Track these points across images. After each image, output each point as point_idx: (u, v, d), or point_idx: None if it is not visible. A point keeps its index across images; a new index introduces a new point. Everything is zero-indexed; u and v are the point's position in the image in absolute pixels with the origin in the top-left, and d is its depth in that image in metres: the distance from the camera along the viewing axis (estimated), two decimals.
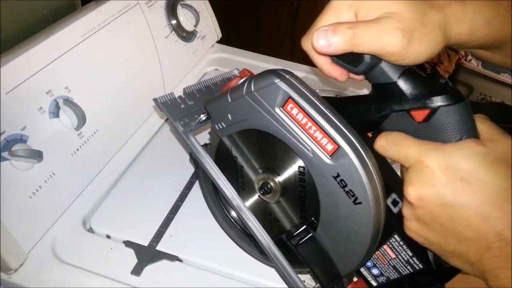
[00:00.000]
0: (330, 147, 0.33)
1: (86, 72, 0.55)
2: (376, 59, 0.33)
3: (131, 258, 0.49)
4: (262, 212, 0.43)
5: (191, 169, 0.60)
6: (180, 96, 0.45)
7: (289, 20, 1.58)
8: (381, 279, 0.41)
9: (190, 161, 0.47)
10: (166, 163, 0.61)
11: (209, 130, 0.44)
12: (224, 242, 0.51)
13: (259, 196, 0.43)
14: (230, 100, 0.38)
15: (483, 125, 0.32)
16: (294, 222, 0.41)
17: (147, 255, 0.49)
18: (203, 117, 0.43)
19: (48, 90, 0.50)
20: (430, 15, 0.32)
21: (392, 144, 0.33)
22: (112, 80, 0.59)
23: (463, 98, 0.31)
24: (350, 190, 0.34)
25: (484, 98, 1.43)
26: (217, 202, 0.47)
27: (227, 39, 0.88)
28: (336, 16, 0.35)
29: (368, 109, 0.35)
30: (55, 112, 0.50)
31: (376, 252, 0.40)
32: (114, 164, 0.60)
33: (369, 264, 0.41)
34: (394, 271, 0.40)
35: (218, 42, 0.87)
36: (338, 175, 0.34)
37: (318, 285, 0.40)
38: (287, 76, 0.35)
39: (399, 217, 0.35)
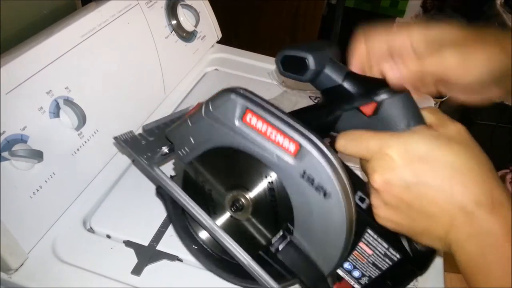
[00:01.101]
0: (292, 147, 0.35)
1: (86, 72, 0.55)
2: (320, 65, 0.36)
3: (131, 258, 0.49)
4: (237, 233, 0.42)
5: None
6: (139, 134, 0.47)
7: (289, 20, 1.58)
8: (364, 280, 0.41)
9: (157, 196, 0.47)
10: (167, 163, 0.61)
11: (173, 161, 0.45)
12: None
13: (231, 216, 0.43)
14: (190, 125, 0.39)
15: (432, 115, 0.35)
16: (270, 235, 0.41)
17: (147, 255, 0.49)
18: (165, 149, 0.44)
19: (48, 90, 0.50)
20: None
21: (352, 141, 0.35)
22: (112, 80, 0.59)
23: (403, 90, 0.35)
24: (318, 184, 0.35)
25: None
26: (190, 233, 0.47)
27: (227, 39, 0.88)
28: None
29: (320, 115, 0.37)
30: (56, 112, 0.50)
31: (353, 253, 0.40)
32: (114, 164, 0.60)
33: (349, 267, 0.41)
34: (374, 268, 0.40)
35: (218, 42, 0.87)
36: (305, 172, 0.35)
37: None
38: (241, 91, 0.37)
39: (369, 212, 0.36)
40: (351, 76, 0.36)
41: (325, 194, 0.35)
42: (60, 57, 0.52)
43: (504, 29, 0.40)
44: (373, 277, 0.41)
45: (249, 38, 1.64)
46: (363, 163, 0.35)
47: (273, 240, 0.40)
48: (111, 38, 0.60)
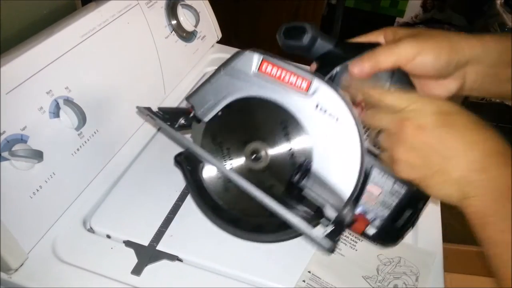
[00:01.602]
0: (304, 84, 0.41)
1: (86, 72, 0.55)
2: (316, 33, 0.43)
3: (131, 258, 0.49)
4: (257, 184, 0.44)
5: None
6: (157, 110, 0.50)
7: (289, 20, 1.58)
8: (377, 222, 0.45)
9: (175, 164, 0.50)
10: (166, 163, 0.61)
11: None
12: (224, 242, 0.51)
13: (250, 170, 0.47)
14: (210, 85, 0.44)
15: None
16: (289, 177, 0.44)
17: (147, 255, 0.49)
18: (182, 120, 0.48)
19: (48, 90, 0.50)
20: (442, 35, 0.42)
21: (389, 94, 0.39)
22: (112, 80, 0.59)
23: (377, 44, 0.42)
24: (331, 112, 0.41)
25: (484, 98, 1.43)
26: (205, 193, 0.49)
27: (227, 39, 0.88)
28: (368, 37, 0.46)
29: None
30: (56, 112, 0.50)
31: (363, 196, 0.44)
32: (114, 164, 0.60)
33: (361, 211, 0.45)
34: (383, 208, 0.45)
35: (218, 42, 0.87)
36: (317, 105, 0.41)
37: (327, 229, 0.42)
38: (254, 48, 0.43)
39: (372, 152, 0.42)
40: (340, 42, 0.44)
41: (337, 119, 0.40)
42: (60, 57, 0.52)
43: (493, 31, 0.45)
44: (385, 216, 0.45)
45: (249, 38, 1.64)
46: (385, 116, 0.39)
47: (294, 179, 0.43)
48: (111, 38, 0.60)
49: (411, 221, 0.45)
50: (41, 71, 0.49)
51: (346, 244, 0.52)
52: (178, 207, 0.55)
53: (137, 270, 0.48)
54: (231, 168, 0.47)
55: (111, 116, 0.59)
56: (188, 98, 0.46)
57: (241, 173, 0.46)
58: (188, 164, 0.49)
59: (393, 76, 0.42)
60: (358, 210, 0.45)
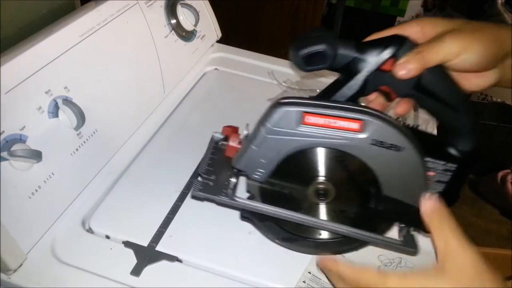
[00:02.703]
0: (356, 125, 0.39)
1: (85, 71, 0.55)
2: (334, 49, 0.40)
3: (131, 259, 0.49)
4: (328, 215, 0.47)
5: (191, 170, 0.60)
6: (202, 178, 0.47)
7: (289, 20, 1.58)
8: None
9: (243, 220, 0.50)
10: (166, 163, 0.61)
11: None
12: (224, 242, 0.51)
13: (317, 204, 0.46)
14: (256, 148, 0.42)
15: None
16: (358, 202, 0.46)
17: (146, 255, 0.49)
18: (233, 180, 0.46)
19: (47, 89, 0.50)
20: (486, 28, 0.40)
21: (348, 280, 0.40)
22: (111, 79, 0.59)
23: (404, 38, 0.40)
24: (389, 144, 0.40)
25: (485, 98, 1.43)
26: (286, 233, 0.50)
27: (227, 39, 0.87)
28: (404, 29, 0.43)
29: (349, 87, 0.42)
30: (54, 112, 0.50)
31: None
32: (114, 164, 0.60)
33: None
34: (439, 184, 0.46)
35: (218, 41, 0.87)
36: (375, 140, 0.40)
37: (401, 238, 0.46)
38: (288, 100, 0.40)
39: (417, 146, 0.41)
40: (361, 46, 0.41)
41: (397, 149, 0.40)
42: (59, 56, 0.51)
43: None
44: (441, 191, 0.46)
45: (249, 38, 1.64)
46: None
47: (371, 206, 0.45)
48: (110, 38, 0.59)
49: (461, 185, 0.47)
50: (40, 70, 0.49)
51: None
52: (177, 207, 0.55)
53: (136, 271, 0.48)
54: (300, 209, 0.46)
55: (110, 116, 0.59)
56: (235, 165, 0.44)
57: (311, 210, 0.46)
58: (254, 215, 0.48)
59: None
60: None
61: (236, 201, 0.45)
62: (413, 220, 0.43)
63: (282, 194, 0.46)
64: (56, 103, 0.50)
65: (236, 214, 0.51)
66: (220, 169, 0.47)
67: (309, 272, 0.49)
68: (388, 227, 0.47)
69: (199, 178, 0.46)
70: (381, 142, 0.40)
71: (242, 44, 0.87)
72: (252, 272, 0.49)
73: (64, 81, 0.52)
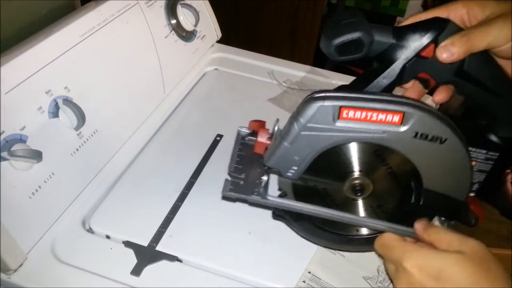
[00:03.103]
0: (396, 118, 0.37)
1: (85, 71, 0.55)
2: (370, 36, 0.38)
3: (131, 259, 0.49)
4: (365, 210, 0.46)
5: (190, 170, 0.60)
6: (232, 177, 0.45)
7: (289, 20, 1.58)
8: (475, 187, 0.46)
9: (275, 218, 0.48)
10: (166, 163, 0.61)
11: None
12: (224, 242, 0.51)
13: (354, 200, 0.45)
14: (289, 146, 0.39)
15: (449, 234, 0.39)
16: (396, 196, 0.44)
17: (146, 255, 0.49)
18: (264, 178, 0.44)
19: (47, 90, 0.50)
20: None
21: (383, 246, 0.41)
22: (111, 80, 0.59)
23: (445, 21, 0.38)
24: (433, 136, 0.38)
25: None
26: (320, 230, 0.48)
27: (227, 39, 0.87)
28: (448, 10, 0.41)
29: (386, 76, 0.39)
30: (55, 112, 0.50)
31: None
32: (114, 164, 0.60)
33: None
34: (480, 173, 0.45)
35: (218, 41, 0.87)
36: (417, 133, 0.37)
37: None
38: (323, 94, 0.37)
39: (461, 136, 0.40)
40: (398, 31, 0.38)
41: (441, 141, 0.38)
42: (59, 56, 0.51)
43: None
44: (482, 180, 0.46)
45: (249, 38, 1.64)
46: (390, 272, 0.40)
47: (412, 201, 0.43)
48: (111, 38, 0.59)
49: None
50: (40, 70, 0.49)
51: None
52: (177, 207, 0.55)
53: (136, 271, 0.48)
54: (335, 206, 0.45)
55: (110, 116, 0.59)
56: (267, 163, 0.42)
57: (346, 206, 0.45)
58: (287, 213, 0.46)
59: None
60: None
61: (269, 200, 0.43)
62: (454, 213, 0.43)
63: (316, 190, 0.44)
64: (57, 103, 0.50)
65: (236, 214, 0.51)
66: (249, 166, 0.45)
67: (309, 272, 0.49)
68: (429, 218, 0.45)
69: (228, 178, 0.44)
70: (424, 134, 0.38)
71: (242, 44, 0.87)
72: (252, 272, 0.49)
73: (64, 81, 0.52)
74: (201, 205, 0.55)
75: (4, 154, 0.44)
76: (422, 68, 0.39)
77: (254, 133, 0.45)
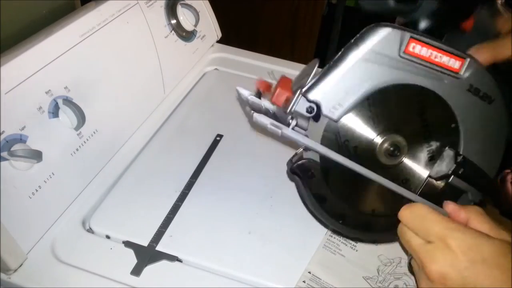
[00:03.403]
0: (457, 64, 0.36)
1: (85, 72, 0.55)
2: None
3: (131, 259, 0.49)
4: (394, 180, 0.42)
5: (190, 170, 0.60)
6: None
7: (289, 20, 1.58)
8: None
9: (289, 175, 0.43)
10: (166, 163, 0.61)
11: None
12: (224, 242, 0.51)
13: (382, 167, 0.41)
14: (343, 72, 0.36)
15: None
16: (424, 170, 0.41)
17: (146, 255, 0.49)
18: (292, 122, 0.39)
19: (47, 90, 0.50)
20: None
21: (418, 217, 0.36)
22: (111, 80, 0.59)
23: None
24: (484, 93, 0.37)
25: None
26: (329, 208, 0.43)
27: (227, 39, 0.87)
28: None
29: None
30: (55, 112, 0.50)
31: None
32: (114, 164, 0.60)
33: None
34: None
35: (218, 41, 0.87)
36: (471, 86, 0.37)
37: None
38: (391, 24, 0.36)
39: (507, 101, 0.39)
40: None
41: (490, 100, 0.38)
42: (59, 56, 0.51)
43: None
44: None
45: (249, 38, 1.64)
46: (418, 246, 0.35)
47: (439, 168, 0.40)
48: (111, 38, 0.59)
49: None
50: (40, 70, 0.49)
51: (346, 245, 0.52)
52: (177, 207, 0.55)
53: (136, 271, 0.48)
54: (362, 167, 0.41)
55: (110, 116, 0.59)
56: (307, 95, 0.36)
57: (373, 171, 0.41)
58: (303, 174, 0.41)
59: None
60: None
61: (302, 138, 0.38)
62: (486, 191, 0.42)
63: (345, 149, 0.40)
64: (57, 103, 0.50)
65: (236, 214, 0.51)
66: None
67: (309, 272, 0.49)
68: (455, 199, 0.42)
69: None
70: (477, 89, 0.37)
71: (242, 44, 0.87)
72: (252, 272, 0.49)
73: (64, 81, 0.52)
74: (201, 205, 0.55)
75: (4, 154, 0.44)
76: (457, 43, 0.39)
77: (259, 93, 0.45)
